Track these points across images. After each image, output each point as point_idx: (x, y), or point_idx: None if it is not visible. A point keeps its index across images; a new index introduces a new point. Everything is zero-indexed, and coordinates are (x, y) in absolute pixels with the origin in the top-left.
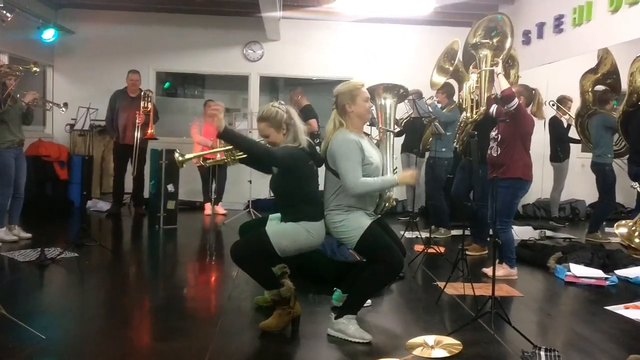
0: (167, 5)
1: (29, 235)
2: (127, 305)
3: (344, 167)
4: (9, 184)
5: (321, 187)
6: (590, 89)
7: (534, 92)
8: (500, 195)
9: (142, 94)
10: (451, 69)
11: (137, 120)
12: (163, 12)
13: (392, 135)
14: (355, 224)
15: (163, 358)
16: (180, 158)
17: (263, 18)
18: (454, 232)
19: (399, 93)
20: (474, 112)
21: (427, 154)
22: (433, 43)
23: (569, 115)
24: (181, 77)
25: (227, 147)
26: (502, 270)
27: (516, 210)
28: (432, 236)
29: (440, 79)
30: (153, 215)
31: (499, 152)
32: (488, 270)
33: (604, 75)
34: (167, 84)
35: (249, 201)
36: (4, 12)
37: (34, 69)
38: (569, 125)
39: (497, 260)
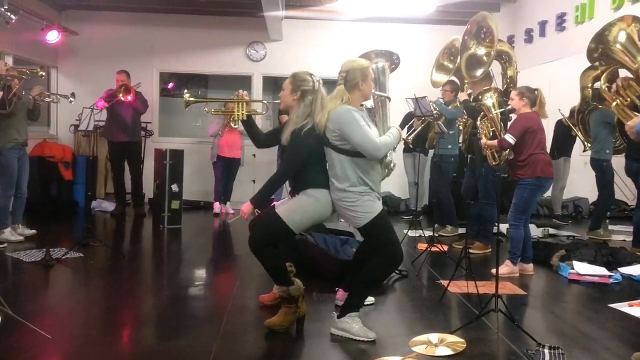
0: (170, 6)
1: (33, 231)
2: (132, 305)
3: (360, 134)
4: (12, 185)
5: None
6: (590, 85)
7: (536, 92)
8: (519, 193)
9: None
10: (452, 66)
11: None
12: (166, 12)
13: (387, 101)
14: (368, 207)
15: (168, 357)
16: (188, 98)
17: (265, 18)
18: (461, 230)
19: (392, 59)
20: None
21: (430, 152)
22: (435, 42)
23: (574, 129)
24: (184, 78)
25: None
26: (505, 267)
27: (534, 208)
28: (438, 234)
29: (441, 77)
30: (157, 215)
31: (514, 154)
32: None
33: (603, 72)
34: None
35: None
36: (8, 14)
37: (41, 72)
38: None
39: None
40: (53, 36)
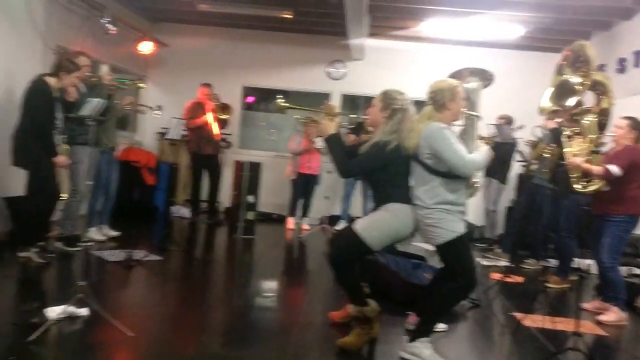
0: (257, 22)
1: (117, 233)
2: (204, 311)
3: (450, 150)
4: (100, 187)
5: None
6: None
7: None
8: (611, 231)
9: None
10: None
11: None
12: (252, 29)
13: (477, 121)
14: (451, 226)
15: None
16: (282, 103)
17: (349, 37)
18: (544, 263)
19: (485, 76)
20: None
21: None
22: (522, 68)
23: None
24: (265, 92)
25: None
26: (612, 314)
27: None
28: (521, 266)
29: (549, 105)
30: (233, 225)
31: (610, 187)
32: (588, 306)
33: None
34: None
35: (324, 217)
36: (110, 25)
37: (140, 85)
38: None
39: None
40: (146, 47)
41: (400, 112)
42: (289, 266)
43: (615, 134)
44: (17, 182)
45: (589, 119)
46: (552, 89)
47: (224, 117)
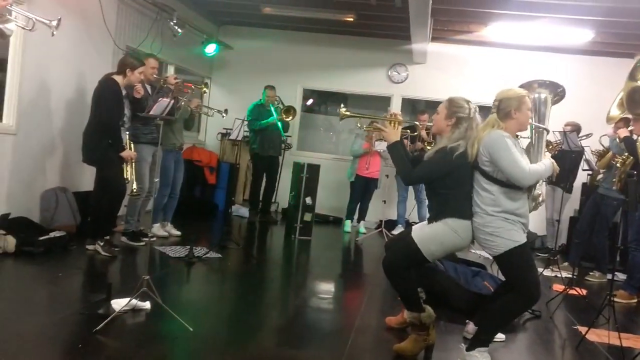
0: (318, 25)
1: (178, 233)
2: (262, 309)
3: (509, 160)
4: (167, 184)
5: None
6: None
7: None
8: None
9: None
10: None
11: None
12: (314, 31)
13: (545, 133)
14: (511, 235)
15: None
16: (345, 112)
17: (412, 41)
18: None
19: (557, 91)
20: None
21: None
22: (592, 74)
23: None
24: (324, 95)
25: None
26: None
27: None
28: (587, 279)
29: (618, 113)
30: (290, 226)
31: None
32: None
33: None
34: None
35: (381, 221)
36: (177, 27)
37: (204, 89)
38: None
39: None
40: (212, 49)
41: (466, 120)
42: (345, 269)
43: None
44: (87, 178)
45: None
46: (620, 97)
47: (288, 119)
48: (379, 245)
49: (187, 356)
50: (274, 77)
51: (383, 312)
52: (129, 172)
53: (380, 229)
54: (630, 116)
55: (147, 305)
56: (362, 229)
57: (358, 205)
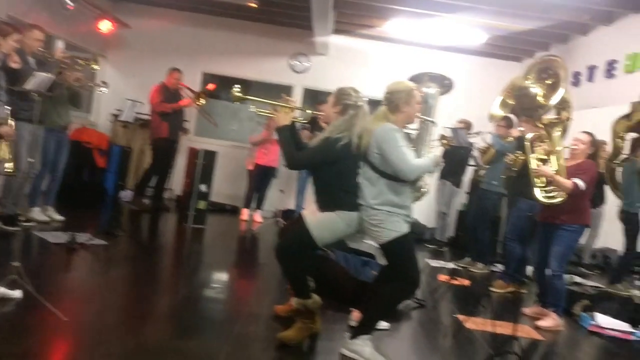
0: (222, 9)
1: (61, 218)
2: (148, 299)
3: (397, 154)
4: (45, 165)
5: None
6: (622, 135)
7: (601, 144)
8: (563, 240)
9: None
10: (512, 103)
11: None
12: (217, 15)
13: (431, 127)
14: (394, 226)
15: (176, 355)
16: (237, 93)
17: (314, 32)
18: (493, 268)
19: (444, 83)
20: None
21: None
22: (483, 74)
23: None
24: (226, 81)
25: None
26: (550, 320)
27: None
28: (469, 269)
29: (499, 112)
30: (182, 213)
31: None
32: (529, 311)
33: (637, 123)
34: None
35: (278, 210)
36: (68, 1)
37: (94, 66)
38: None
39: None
40: (105, 26)
41: (353, 108)
42: (239, 258)
43: (577, 148)
44: None
45: (559, 130)
46: (501, 97)
47: (200, 103)
48: (275, 234)
49: (58, 348)
50: (174, 59)
51: (274, 301)
52: (5, 151)
53: (277, 219)
54: (511, 116)
55: (16, 294)
56: (259, 218)
57: (256, 194)
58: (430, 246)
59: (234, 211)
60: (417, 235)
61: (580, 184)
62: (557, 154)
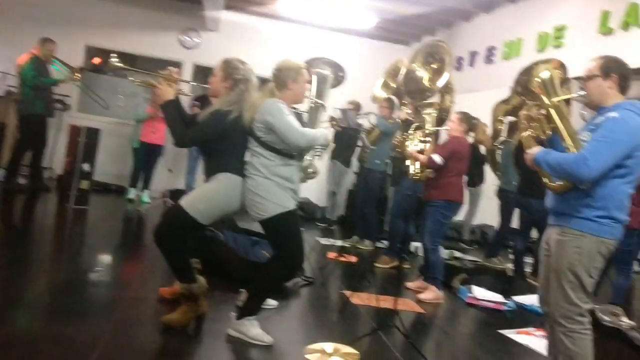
0: None
1: None
2: (22, 284)
3: (285, 124)
4: None
5: None
6: (501, 119)
7: (474, 121)
8: (432, 215)
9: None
10: (394, 86)
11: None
12: None
13: (321, 109)
14: (281, 200)
15: (53, 342)
16: (116, 62)
17: (204, 6)
18: (379, 244)
19: (338, 73)
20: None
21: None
22: (373, 57)
23: (485, 140)
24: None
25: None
26: (430, 293)
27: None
28: (357, 246)
29: (382, 94)
30: (64, 193)
31: (434, 174)
32: (412, 285)
33: (514, 107)
34: None
35: (166, 190)
36: None
37: None
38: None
39: (420, 277)
40: None
41: (243, 82)
42: (124, 240)
43: (449, 127)
44: None
45: (429, 112)
46: (383, 79)
47: (75, 78)
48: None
49: None
50: (53, 30)
51: (159, 284)
52: None
53: (164, 199)
54: (393, 98)
55: None
56: (146, 198)
57: (142, 173)
58: (320, 225)
59: (120, 191)
60: (309, 214)
61: (436, 158)
62: (429, 134)
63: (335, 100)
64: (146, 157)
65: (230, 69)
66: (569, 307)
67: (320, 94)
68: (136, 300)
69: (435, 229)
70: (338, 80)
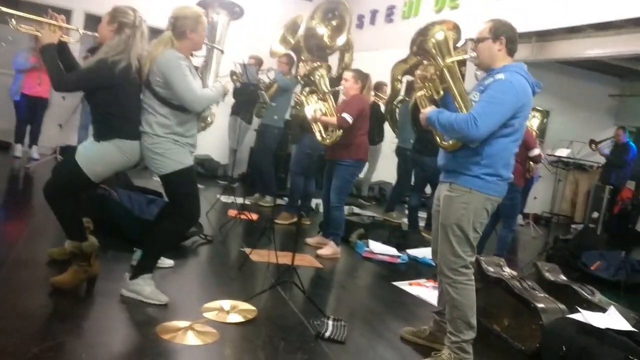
0: None
1: None
2: None
3: (183, 84)
4: None
5: None
6: (400, 78)
7: (379, 83)
8: (340, 174)
9: None
10: (293, 41)
11: None
12: None
13: (220, 55)
14: (179, 157)
15: None
16: None
17: None
18: (280, 201)
19: (234, 11)
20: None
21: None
22: (274, 11)
23: (384, 99)
24: None
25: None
26: (329, 249)
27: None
28: (258, 204)
29: (281, 49)
30: None
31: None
32: (311, 241)
33: (412, 66)
34: None
35: (57, 146)
36: None
37: None
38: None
39: (320, 233)
40: None
41: (130, 27)
42: (9, 199)
43: (344, 87)
44: None
45: (320, 74)
46: (282, 34)
47: None
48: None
49: None
50: None
51: (47, 245)
52: None
53: (55, 156)
54: (291, 53)
55: None
56: (35, 155)
57: (27, 128)
58: (222, 182)
59: (5, 147)
60: (210, 171)
61: (347, 118)
62: (325, 95)
63: (236, 55)
64: (29, 111)
65: (117, 13)
66: (454, 259)
67: (218, 39)
68: (21, 262)
69: (343, 187)
70: (236, 16)
